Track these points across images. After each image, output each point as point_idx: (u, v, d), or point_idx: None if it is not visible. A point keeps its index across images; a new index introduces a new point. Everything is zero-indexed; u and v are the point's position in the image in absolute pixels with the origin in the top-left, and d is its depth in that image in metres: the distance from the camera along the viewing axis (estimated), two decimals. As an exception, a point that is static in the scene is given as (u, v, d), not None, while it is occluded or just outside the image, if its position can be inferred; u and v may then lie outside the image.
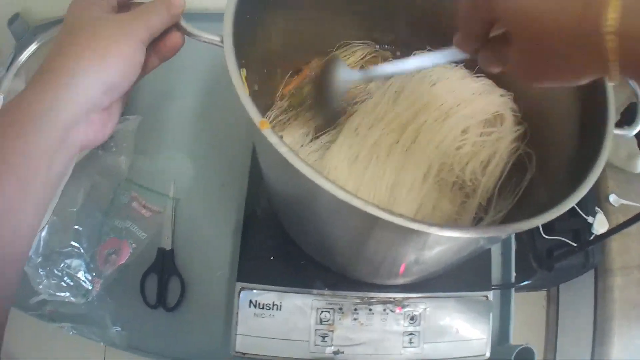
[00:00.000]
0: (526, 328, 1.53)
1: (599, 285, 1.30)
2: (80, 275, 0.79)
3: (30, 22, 0.94)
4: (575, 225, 1.16)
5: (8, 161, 0.40)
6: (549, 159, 0.65)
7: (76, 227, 0.80)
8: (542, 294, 1.55)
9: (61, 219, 0.79)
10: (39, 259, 0.78)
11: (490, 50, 0.47)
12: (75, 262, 0.79)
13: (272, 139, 0.44)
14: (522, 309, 1.60)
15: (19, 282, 0.43)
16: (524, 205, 0.66)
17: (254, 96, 0.63)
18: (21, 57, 0.80)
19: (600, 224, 1.16)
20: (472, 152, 0.67)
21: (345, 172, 0.66)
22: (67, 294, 0.77)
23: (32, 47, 0.81)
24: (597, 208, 1.18)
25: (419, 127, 0.67)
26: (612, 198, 1.24)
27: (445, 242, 0.53)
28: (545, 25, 0.37)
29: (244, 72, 0.54)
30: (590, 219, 1.15)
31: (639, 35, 0.33)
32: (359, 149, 0.67)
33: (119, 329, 0.78)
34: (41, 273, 0.77)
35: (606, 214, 1.21)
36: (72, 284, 0.78)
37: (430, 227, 0.43)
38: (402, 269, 0.66)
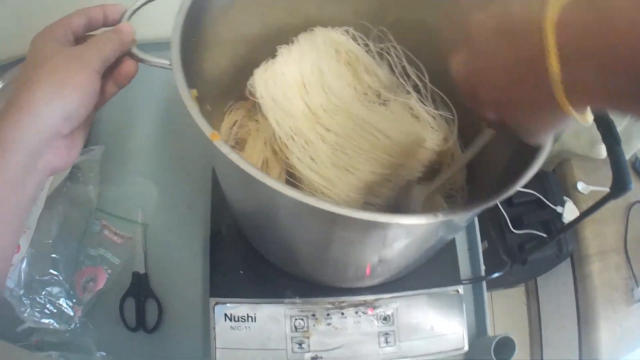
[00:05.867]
0: (509, 324, 1.54)
1: (577, 273, 1.32)
2: (62, 302, 0.80)
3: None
4: (544, 216, 1.18)
5: None
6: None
7: (53, 255, 0.81)
8: (520, 290, 1.57)
9: (38, 250, 0.81)
10: (22, 291, 0.79)
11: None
12: (55, 289, 0.80)
13: (224, 148, 0.46)
14: (503, 307, 1.62)
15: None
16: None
17: (207, 116, 0.66)
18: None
19: (570, 213, 1.18)
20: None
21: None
22: (51, 320, 0.79)
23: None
24: (565, 197, 1.21)
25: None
26: (581, 186, 1.27)
27: (404, 234, 0.55)
28: (506, 78, 0.41)
29: (194, 92, 0.57)
30: (559, 209, 1.17)
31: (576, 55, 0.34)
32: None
33: (103, 353, 0.79)
34: (25, 302, 0.78)
35: (576, 203, 1.24)
36: (54, 310, 0.79)
37: (390, 216, 0.45)
38: (368, 269, 0.68)
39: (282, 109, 0.69)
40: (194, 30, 0.56)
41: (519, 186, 0.50)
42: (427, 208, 0.72)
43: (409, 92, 0.75)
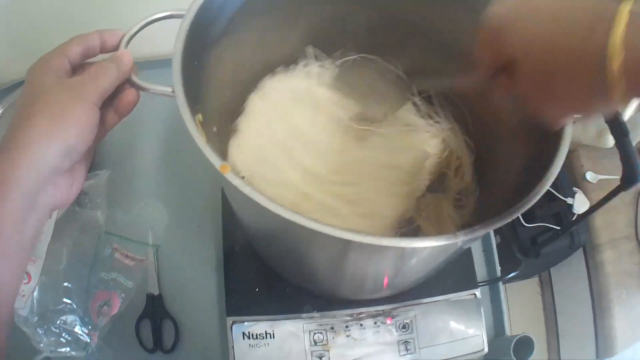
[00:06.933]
0: (525, 317, 1.54)
1: (590, 263, 1.31)
2: (77, 329, 0.79)
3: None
4: (555, 208, 1.17)
5: None
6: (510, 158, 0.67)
7: (65, 284, 0.81)
8: (534, 281, 1.57)
9: (50, 278, 0.80)
10: (35, 319, 0.78)
11: (502, 78, 0.49)
12: (70, 318, 0.80)
13: (236, 181, 0.45)
14: (518, 299, 1.62)
15: (6, 342, 0.44)
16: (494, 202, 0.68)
17: (214, 138, 0.65)
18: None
19: (580, 204, 1.17)
20: None
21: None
22: (68, 348, 0.78)
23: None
24: (575, 188, 1.20)
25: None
26: (589, 176, 1.26)
27: (421, 251, 0.54)
28: (549, 49, 0.40)
29: (199, 117, 0.55)
30: (569, 200, 1.17)
31: None
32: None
33: (122, 376, 0.79)
34: (39, 332, 0.78)
35: (586, 192, 1.23)
36: (70, 339, 0.79)
37: (410, 240, 0.44)
38: (385, 282, 0.68)
39: (278, 184, 0.68)
40: (194, 54, 0.55)
41: (540, 194, 0.50)
42: (434, 216, 0.71)
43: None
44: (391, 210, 0.68)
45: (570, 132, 0.53)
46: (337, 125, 0.74)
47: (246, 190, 0.44)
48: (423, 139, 0.74)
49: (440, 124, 0.76)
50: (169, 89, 0.51)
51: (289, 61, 0.77)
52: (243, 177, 0.53)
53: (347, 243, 0.43)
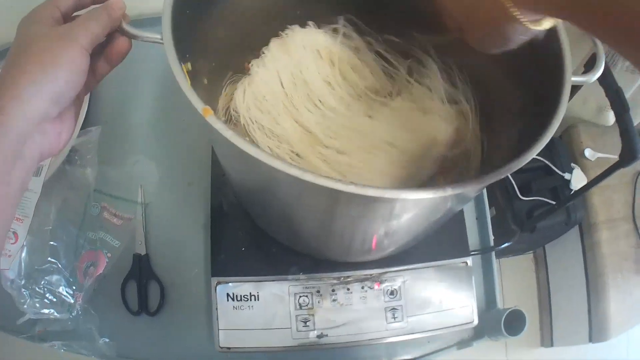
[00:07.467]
0: (518, 292, 1.54)
1: (586, 241, 1.30)
2: (62, 290, 0.79)
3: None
4: (552, 183, 1.17)
5: None
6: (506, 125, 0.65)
7: (52, 243, 0.80)
8: (528, 257, 1.56)
9: (37, 237, 0.79)
10: (23, 281, 0.78)
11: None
12: (55, 278, 0.79)
13: (217, 125, 0.44)
14: (511, 274, 1.61)
15: None
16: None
17: (205, 89, 0.64)
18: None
19: (577, 180, 1.16)
20: None
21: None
22: (52, 310, 0.78)
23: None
24: (573, 164, 1.19)
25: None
26: (588, 152, 1.25)
27: (412, 207, 0.53)
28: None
29: (188, 65, 0.55)
30: (567, 176, 1.15)
31: None
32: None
33: (106, 339, 0.78)
34: (24, 293, 0.77)
35: (584, 169, 1.22)
36: (54, 300, 0.78)
37: (400, 192, 0.43)
38: (374, 243, 0.66)
39: (273, 135, 0.67)
40: (187, 3, 0.54)
41: (528, 158, 0.48)
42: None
43: (409, 82, 0.72)
44: None
45: (565, 105, 0.52)
46: (349, 90, 0.72)
47: (227, 134, 0.43)
48: (435, 124, 0.71)
49: (459, 104, 0.73)
50: (158, 36, 0.50)
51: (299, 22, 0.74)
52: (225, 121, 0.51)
53: (330, 192, 0.42)
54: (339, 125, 0.68)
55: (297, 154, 0.67)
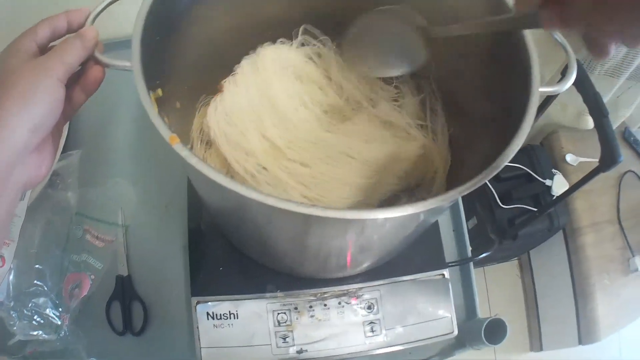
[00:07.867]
0: (504, 299, 1.54)
1: (570, 246, 1.31)
2: (49, 312, 0.80)
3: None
4: (533, 190, 1.17)
5: None
6: (478, 134, 0.66)
7: (37, 266, 0.82)
8: (514, 264, 1.56)
9: (23, 260, 0.81)
10: (12, 303, 0.79)
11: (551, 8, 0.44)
12: (41, 300, 0.80)
13: (183, 152, 0.45)
14: (497, 282, 1.62)
15: None
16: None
17: (178, 113, 0.65)
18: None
19: (559, 185, 1.17)
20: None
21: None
22: (40, 331, 0.79)
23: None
24: (554, 170, 1.19)
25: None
26: (569, 158, 1.25)
27: (382, 225, 0.53)
28: None
29: (159, 91, 0.57)
30: (548, 182, 1.16)
31: None
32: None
33: (94, 359, 0.79)
34: (13, 315, 0.79)
35: (566, 175, 1.23)
36: (42, 321, 0.80)
37: (363, 213, 0.44)
38: (348, 260, 0.67)
39: (240, 148, 0.68)
40: (157, 29, 0.55)
41: (492, 174, 0.48)
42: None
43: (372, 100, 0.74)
44: (340, 200, 0.67)
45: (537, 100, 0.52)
46: (314, 105, 0.74)
47: (192, 161, 0.45)
48: (398, 140, 0.73)
49: (428, 127, 0.75)
50: (128, 64, 0.51)
51: (270, 39, 0.76)
52: (191, 149, 0.53)
53: (294, 215, 0.43)
54: (301, 139, 0.70)
55: (263, 167, 0.69)
